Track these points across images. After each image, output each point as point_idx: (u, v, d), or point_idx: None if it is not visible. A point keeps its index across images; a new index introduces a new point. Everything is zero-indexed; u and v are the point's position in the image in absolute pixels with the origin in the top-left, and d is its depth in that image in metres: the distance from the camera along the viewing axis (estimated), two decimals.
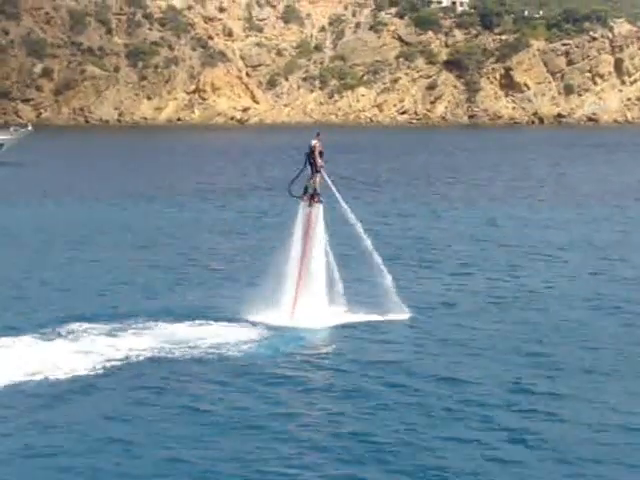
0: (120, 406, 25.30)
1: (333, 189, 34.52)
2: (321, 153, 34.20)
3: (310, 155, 34.16)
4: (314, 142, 34.17)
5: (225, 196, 74.39)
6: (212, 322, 33.39)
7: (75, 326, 32.33)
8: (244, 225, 59.12)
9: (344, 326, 33.36)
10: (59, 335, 31.31)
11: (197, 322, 33.35)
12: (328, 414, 24.86)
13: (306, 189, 34.54)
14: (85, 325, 32.52)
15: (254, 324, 33.06)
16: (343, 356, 30.26)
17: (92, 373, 27.68)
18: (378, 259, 34.48)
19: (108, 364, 28.39)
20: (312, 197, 34.28)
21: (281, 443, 22.73)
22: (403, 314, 34.52)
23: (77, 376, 27.27)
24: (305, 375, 28.24)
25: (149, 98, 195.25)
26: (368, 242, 34.46)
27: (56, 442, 22.73)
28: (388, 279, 34.49)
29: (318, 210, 34.27)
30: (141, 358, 29.10)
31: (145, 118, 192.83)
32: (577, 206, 69.02)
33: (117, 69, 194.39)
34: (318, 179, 34.21)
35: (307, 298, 33.73)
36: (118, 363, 28.54)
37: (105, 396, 26.10)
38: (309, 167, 34.38)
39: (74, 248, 49.72)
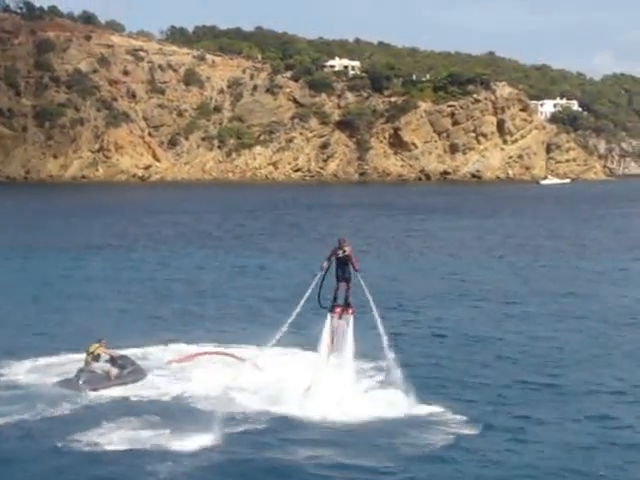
0: None
1: (368, 297, 30.03)
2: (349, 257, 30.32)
3: (340, 261, 30.15)
4: (346, 248, 30.06)
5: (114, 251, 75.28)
6: None
7: None
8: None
9: None
10: None
11: None
12: None
13: (335, 299, 30.55)
14: None
15: None
16: None
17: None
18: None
19: None
20: (346, 308, 30.45)
21: None
22: None
23: None
24: None
25: (55, 157, 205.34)
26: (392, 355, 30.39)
27: None
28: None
29: (349, 321, 30.45)
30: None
31: (51, 176, 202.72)
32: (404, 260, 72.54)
33: (25, 129, 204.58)
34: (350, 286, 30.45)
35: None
36: None
37: None
38: (337, 275, 30.34)
39: None
